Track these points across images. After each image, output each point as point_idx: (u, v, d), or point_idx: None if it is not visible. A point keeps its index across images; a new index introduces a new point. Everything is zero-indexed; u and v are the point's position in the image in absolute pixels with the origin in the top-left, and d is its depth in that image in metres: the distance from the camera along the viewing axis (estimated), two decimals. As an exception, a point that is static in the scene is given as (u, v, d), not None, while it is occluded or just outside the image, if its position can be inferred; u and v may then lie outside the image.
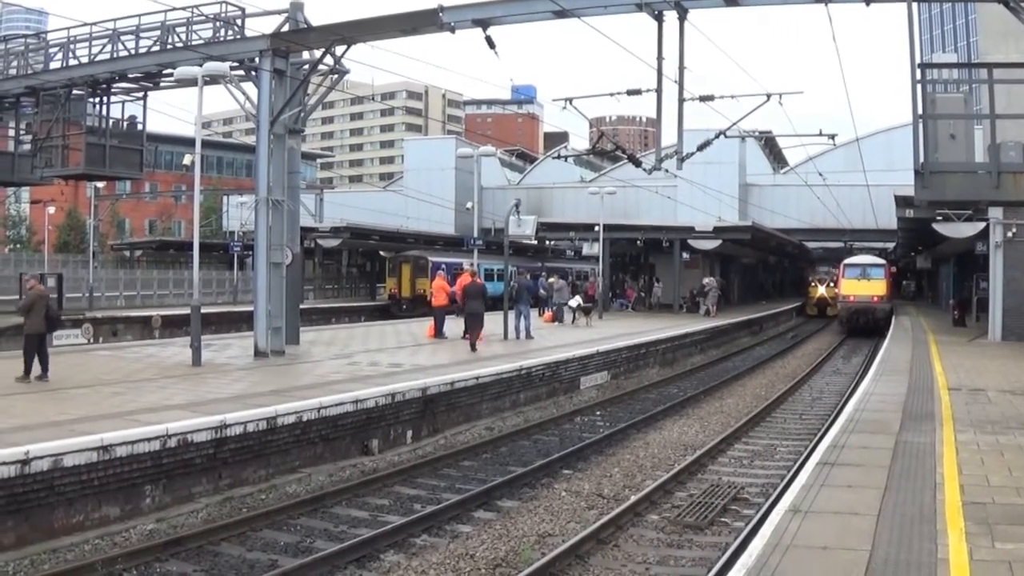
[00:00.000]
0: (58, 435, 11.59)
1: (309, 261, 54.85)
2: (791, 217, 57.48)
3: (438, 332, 28.19)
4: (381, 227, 59.72)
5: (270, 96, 22.19)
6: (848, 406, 17.24)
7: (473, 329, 25.18)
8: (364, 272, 64.31)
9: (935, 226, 33.95)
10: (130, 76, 25.53)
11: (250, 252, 35.43)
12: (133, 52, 24.50)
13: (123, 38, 24.63)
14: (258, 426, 13.85)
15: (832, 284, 56.61)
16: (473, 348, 24.54)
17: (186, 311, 24.63)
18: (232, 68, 21.53)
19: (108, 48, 24.84)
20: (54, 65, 26.46)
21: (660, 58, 19.10)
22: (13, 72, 27.59)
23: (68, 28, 26.16)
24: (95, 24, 25.36)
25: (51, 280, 37.44)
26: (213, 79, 21.09)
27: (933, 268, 61.79)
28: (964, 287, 44.27)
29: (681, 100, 19.85)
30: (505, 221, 31.81)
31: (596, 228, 44.32)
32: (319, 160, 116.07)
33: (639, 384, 26.05)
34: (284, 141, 22.83)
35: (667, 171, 22.79)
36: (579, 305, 36.81)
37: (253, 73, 22.42)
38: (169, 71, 23.95)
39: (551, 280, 40.75)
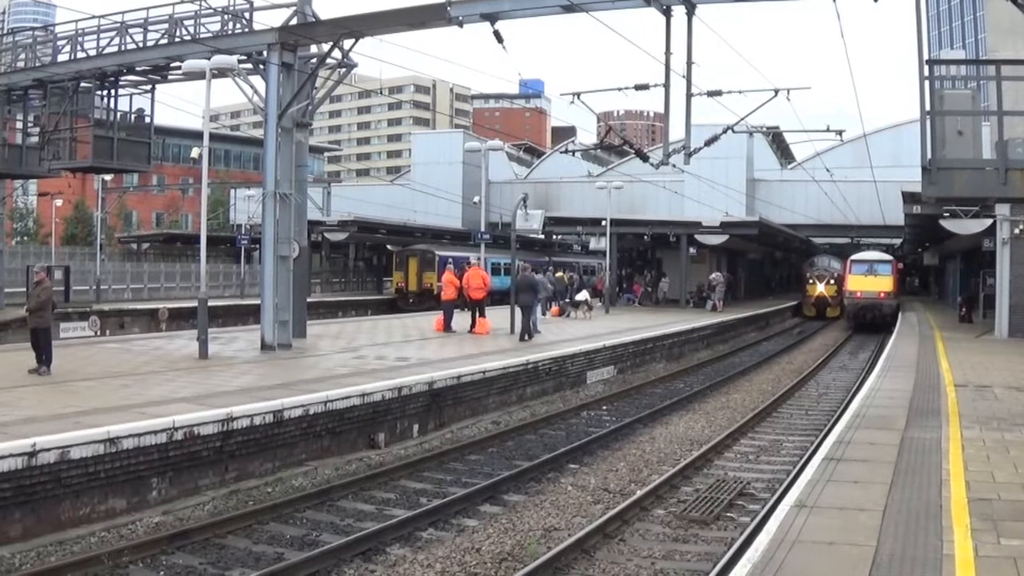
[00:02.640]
0: (65, 427, 11.64)
1: (316, 255, 54.92)
2: (798, 213, 57.44)
3: (446, 326, 28.23)
4: (388, 221, 59.76)
5: (278, 89, 22.22)
6: (854, 402, 17.23)
7: (524, 319, 26.40)
8: (371, 266, 64.39)
9: (942, 222, 33.82)
10: (138, 69, 25.60)
11: (257, 245, 35.50)
12: (141, 45, 24.56)
13: (131, 31, 24.69)
14: (265, 419, 13.87)
15: (832, 281, 53.26)
16: (529, 336, 26.07)
17: (193, 304, 24.72)
18: (240, 61, 21.55)
19: (116, 41, 24.91)
20: (62, 58, 26.52)
21: (668, 53, 19.08)
22: (21, 65, 27.70)
23: (76, 21, 26.25)
24: (103, 17, 25.42)
25: (58, 272, 37.64)
26: (221, 72, 21.11)
27: (940, 264, 61.56)
28: (971, 284, 44.18)
29: (689, 95, 19.82)
30: (512, 215, 31.78)
31: (603, 223, 44.22)
32: (326, 154, 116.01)
33: (646, 379, 26.04)
34: (292, 135, 22.85)
35: (674, 166, 22.74)
36: (586, 300, 36.89)
37: (261, 66, 22.42)
38: (177, 64, 24.00)
39: (558, 275, 40.69)
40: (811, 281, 55.48)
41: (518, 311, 27.93)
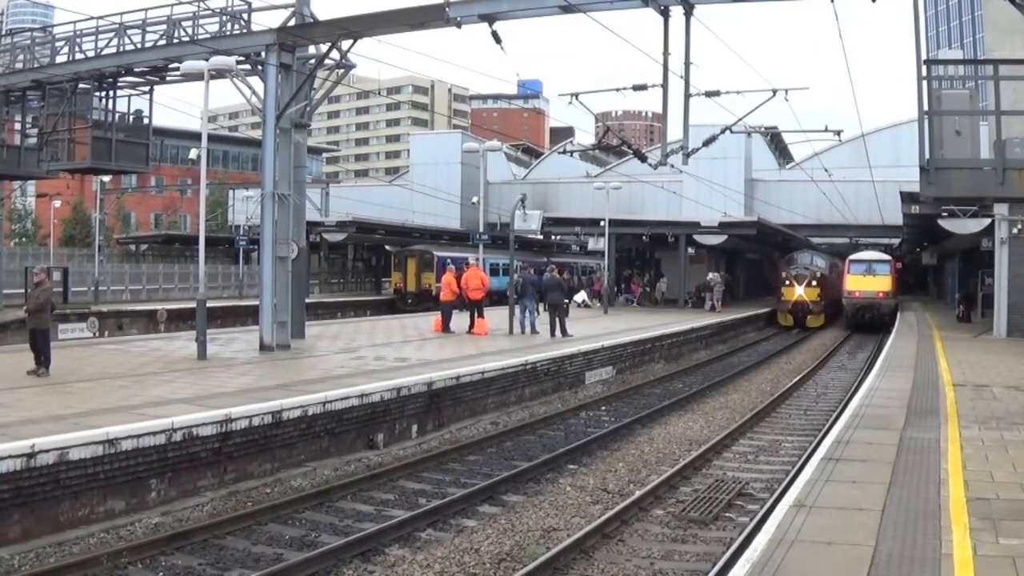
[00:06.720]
0: (64, 429, 11.64)
1: (315, 255, 54.86)
2: (797, 213, 57.43)
3: (445, 327, 28.23)
4: (387, 221, 59.76)
5: (276, 90, 22.21)
6: (853, 402, 17.23)
7: (558, 316, 27.68)
8: (370, 266, 64.37)
9: (940, 222, 33.84)
10: (136, 70, 25.59)
11: (256, 246, 35.48)
12: (139, 46, 24.54)
13: (129, 32, 24.67)
14: (263, 420, 13.87)
15: (814, 282, 45.72)
16: (564, 333, 27.08)
17: (192, 305, 24.66)
18: (238, 62, 21.52)
19: (114, 42, 24.88)
20: (60, 59, 26.49)
21: (666, 53, 19.09)
22: (19, 66, 27.65)
23: (74, 22, 26.25)
24: (101, 18, 25.40)
25: (57, 274, 37.60)
26: (219, 73, 21.07)
27: (939, 264, 61.54)
28: (969, 283, 44.22)
29: (687, 95, 19.83)
30: (511, 216, 31.78)
31: (602, 223, 44.23)
32: (325, 154, 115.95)
33: (644, 379, 26.03)
34: (290, 135, 22.84)
35: (673, 166, 22.76)
36: (583, 301, 36.91)
37: (259, 67, 22.41)
38: (175, 65, 23.99)
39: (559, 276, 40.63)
40: (787, 282, 46.34)
41: (517, 310, 28.07)
